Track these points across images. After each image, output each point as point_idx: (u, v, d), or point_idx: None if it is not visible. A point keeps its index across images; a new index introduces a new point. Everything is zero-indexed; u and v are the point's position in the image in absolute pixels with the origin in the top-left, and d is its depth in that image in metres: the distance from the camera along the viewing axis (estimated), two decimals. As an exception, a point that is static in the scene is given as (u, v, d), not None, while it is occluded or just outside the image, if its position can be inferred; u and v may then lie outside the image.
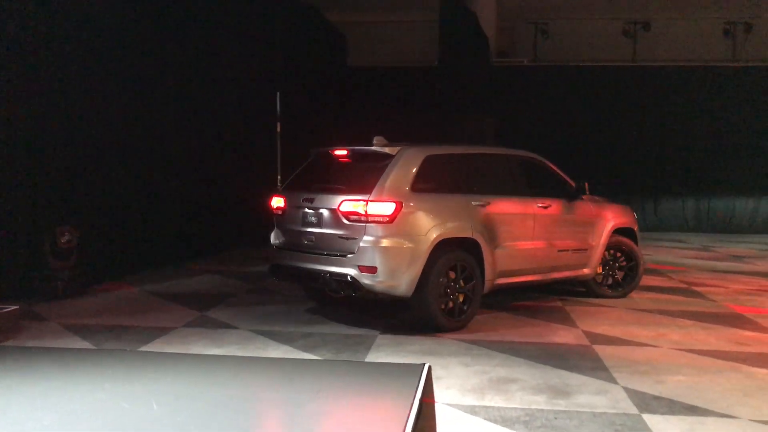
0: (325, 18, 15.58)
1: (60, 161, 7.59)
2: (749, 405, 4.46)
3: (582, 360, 5.40)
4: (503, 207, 6.79)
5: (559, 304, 7.62)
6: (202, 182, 10.58)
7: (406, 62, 17.76)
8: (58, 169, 7.58)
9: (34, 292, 7.11)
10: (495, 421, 4.10)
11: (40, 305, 6.86)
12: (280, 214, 6.82)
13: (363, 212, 5.94)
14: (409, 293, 6.04)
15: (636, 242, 8.13)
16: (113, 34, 8.33)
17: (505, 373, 5.03)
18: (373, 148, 6.39)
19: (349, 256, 6.01)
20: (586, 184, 7.63)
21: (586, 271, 7.67)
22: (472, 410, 4.28)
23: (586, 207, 7.68)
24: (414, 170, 6.19)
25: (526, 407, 4.34)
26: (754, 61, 17.18)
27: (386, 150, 6.29)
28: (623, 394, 4.61)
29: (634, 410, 4.32)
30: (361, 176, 6.23)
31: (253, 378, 3.10)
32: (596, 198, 7.95)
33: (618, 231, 7.93)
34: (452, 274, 6.28)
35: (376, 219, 5.92)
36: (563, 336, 6.19)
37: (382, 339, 5.96)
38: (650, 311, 7.30)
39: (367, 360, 5.31)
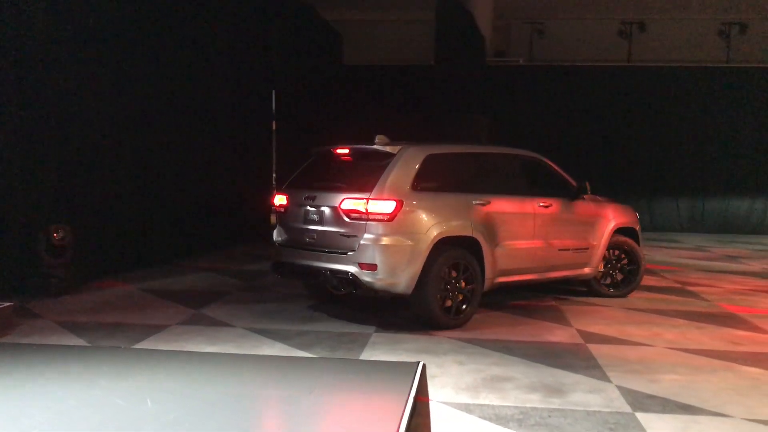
0: (320, 16, 15.57)
1: (55, 158, 7.56)
2: (742, 404, 4.48)
3: (576, 359, 5.42)
4: (504, 206, 6.81)
5: (554, 303, 7.63)
6: (197, 180, 10.57)
7: (401, 61, 17.77)
8: (54, 166, 7.55)
9: (29, 289, 7.09)
10: (489, 419, 4.11)
11: (34, 302, 6.84)
12: (282, 212, 6.86)
13: (363, 210, 5.98)
14: (409, 291, 6.07)
15: (638, 242, 8.12)
16: (108, 31, 8.30)
17: (500, 372, 5.04)
18: (375, 146, 6.43)
19: (349, 253, 6.05)
20: (588, 184, 7.62)
21: (587, 270, 7.69)
22: (467, 408, 4.29)
23: (587, 206, 7.70)
24: (415, 169, 6.23)
25: (521, 405, 4.35)
26: (748, 62, 17.24)
27: (387, 149, 6.32)
28: (617, 393, 4.63)
29: (627, 409, 4.33)
30: (363, 174, 6.27)
31: (247, 375, 3.10)
32: (598, 198, 7.96)
33: (620, 231, 7.95)
34: (453, 273, 6.31)
35: (377, 217, 5.95)
36: (558, 335, 6.21)
37: (377, 337, 5.96)
38: (645, 311, 7.33)
39: (361, 358, 5.32)
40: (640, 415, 4.22)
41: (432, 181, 6.36)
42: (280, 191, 6.96)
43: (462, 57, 14.29)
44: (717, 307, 7.60)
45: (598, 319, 6.89)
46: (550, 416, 4.18)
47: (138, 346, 5.48)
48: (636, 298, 8.00)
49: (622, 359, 5.45)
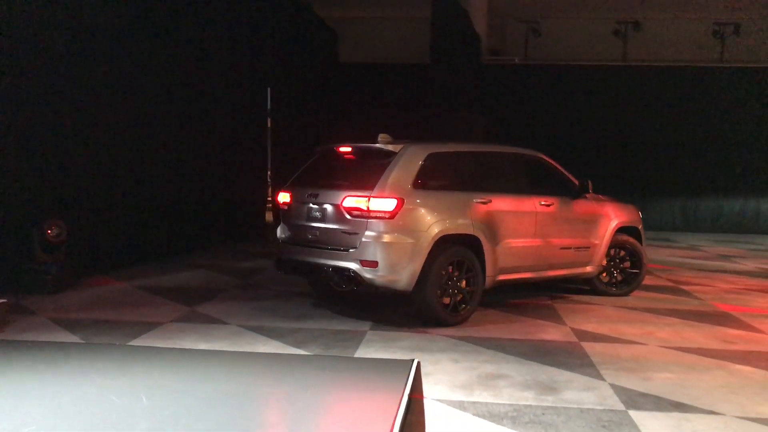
0: (316, 14, 15.55)
1: (49, 155, 7.54)
2: (734, 402, 4.51)
3: (570, 357, 5.44)
4: (505, 204, 6.83)
5: (549, 301, 7.66)
6: (192, 177, 10.54)
7: (397, 59, 17.74)
8: (48, 162, 7.53)
9: (23, 285, 7.07)
10: (483, 417, 4.13)
11: (28, 299, 6.82)
12: (285, 210, 6.89)
13: (365, 208, 6.03)
14: (410, 288, 6.11)
15: (641, 241, 8.12)
16: (103, 29, 8.28)
17: (494, 370, 5.06)
18: (377, 145, 6.47)
19: (351, 250, 6.10)
20: (590, 182, 7.61)
21: (588, 269, 7.71)
22: (461, 406, 4.31)
23: (588, 205, 7.71)
24: (416, 167, 6.27)
25: (514, 403, 4.37)
26: (742, 62, 17.30)
27: (389, 147, 6.36)
28: (610, 391, 4.65)
29: (620, 406, 4.36)
30: (365, 173, 6.32)
31: (242, 373, 3.10)
32: (600, 196, 7.96)
33: (622, 230, 7.96)
34: (454, 271, 6.34)
35: (378, 215, 5.99)
36: (552, 333, 6.23)
37: (372, 335, 5.97)
38: (638, 309, 7.36)
39: (356, 356, 5.33)
40: (633, 413, 4.24)
41: (433, 179, 6.40)
42: (284, 189, 6.99)
43: (458, 56, 14.31)
44: (710, 306, 7.63)
45: (592, 317, 6.92)
46: (543, 414, 4.20)
47: (132, 343, 5.48)
48: (630, 296, 8.03)
49: (616, 357, 5.47)
